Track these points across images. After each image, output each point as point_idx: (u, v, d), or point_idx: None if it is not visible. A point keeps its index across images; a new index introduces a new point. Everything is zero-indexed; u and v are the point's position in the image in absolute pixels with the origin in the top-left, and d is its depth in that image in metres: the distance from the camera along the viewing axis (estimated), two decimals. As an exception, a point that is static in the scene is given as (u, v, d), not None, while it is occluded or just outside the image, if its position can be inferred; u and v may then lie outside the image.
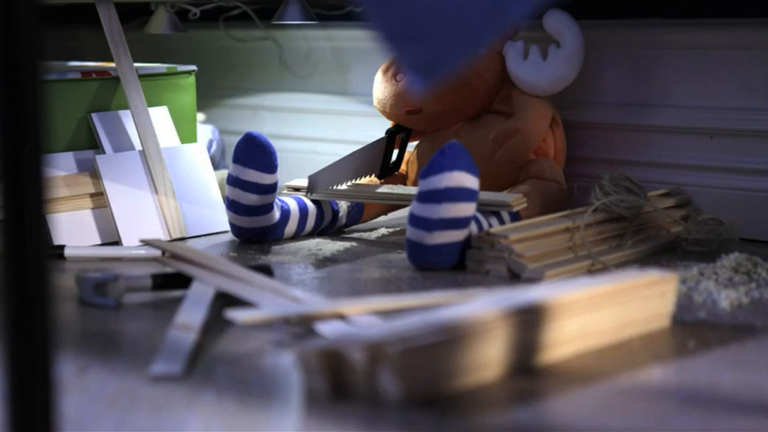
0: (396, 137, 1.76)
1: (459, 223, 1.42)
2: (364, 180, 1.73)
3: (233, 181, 1.58)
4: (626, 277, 1.16)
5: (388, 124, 1.77)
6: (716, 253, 1.46)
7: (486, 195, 1.54)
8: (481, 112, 1.74)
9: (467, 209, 1.42)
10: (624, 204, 1.50)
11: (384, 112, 1.75)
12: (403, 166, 1.78)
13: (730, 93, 1.66)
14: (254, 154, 1.57)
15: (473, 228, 1.46)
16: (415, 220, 1.43)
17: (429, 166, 1.42)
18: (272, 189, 1.59)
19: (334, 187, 1.66)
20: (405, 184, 1.75)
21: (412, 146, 1.79)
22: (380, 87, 1.74)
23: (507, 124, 1.65)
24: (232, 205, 1.60)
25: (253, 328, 1.18)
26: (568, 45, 1.68)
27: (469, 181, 1.42)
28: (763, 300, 1.30)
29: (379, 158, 1.74)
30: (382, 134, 1.75)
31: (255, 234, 1.62)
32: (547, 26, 1.70)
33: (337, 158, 1.68)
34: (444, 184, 1.40)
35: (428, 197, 1.41)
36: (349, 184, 1.68)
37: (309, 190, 1.62)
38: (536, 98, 1.69)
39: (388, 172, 1.75)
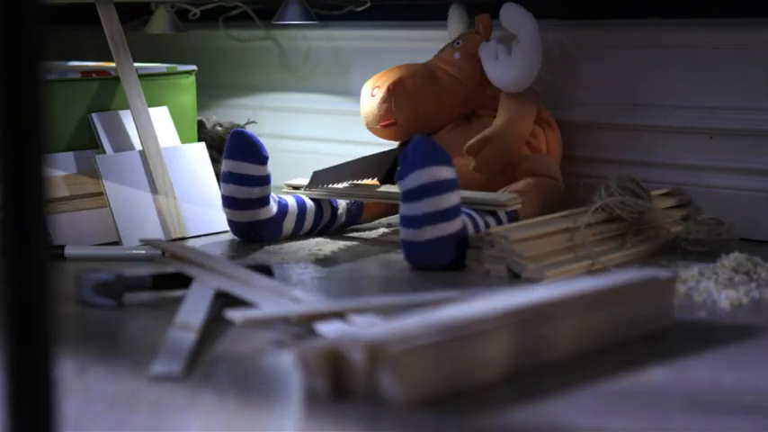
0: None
1: (447, 215, 1.42)
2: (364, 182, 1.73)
3: (227, 177, 1.60)
4: (626, 277, 1.16)
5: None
6: (716, 253, 1.46)
7: (481, 195, 1.54)
8: (469, 114, 1.73)
9: (449, 199, 1.42)
10: (627, 208, 1.49)
11: (367, 126, 1.75)
12: None
13: (730, 93, 1.66)
14: (243, 148, 1.59)
15: (470, 227, 1.46)
16: (404, 220, 1.44)
17: (401, 168, 1.43)
18: (265, 180, 1.60)
19: (334, 185, 1.66)
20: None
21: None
22: (362, 102, 1.74)
23: (481, 134, 1.64)
24: (228, 201, 1.60)
25: (253, 328, 1.18)
26: (525, 37, 1.66)
27: (443, 172, 1.42)
28: (763, 300, 1.30)
29: (385, 165, 1.73)
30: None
31: (253, 229, 1.62)
32: (503, 21, 1.68)
33: (342, 159, 1.68)
34: (418, 182, 1.41)
35: (409, 196, 1.42)
36: (348, 184, 1.68)
37: (310, 184, 1.63)
38: (516, 100, 1.67)
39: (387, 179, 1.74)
